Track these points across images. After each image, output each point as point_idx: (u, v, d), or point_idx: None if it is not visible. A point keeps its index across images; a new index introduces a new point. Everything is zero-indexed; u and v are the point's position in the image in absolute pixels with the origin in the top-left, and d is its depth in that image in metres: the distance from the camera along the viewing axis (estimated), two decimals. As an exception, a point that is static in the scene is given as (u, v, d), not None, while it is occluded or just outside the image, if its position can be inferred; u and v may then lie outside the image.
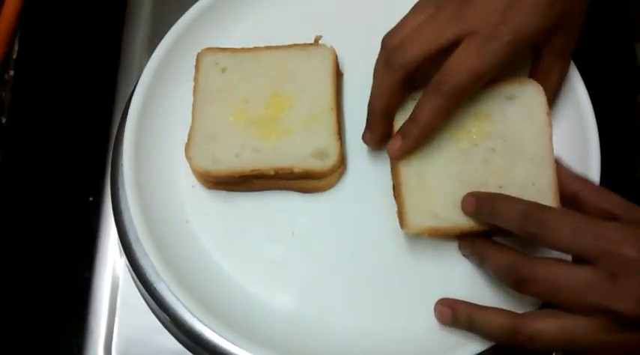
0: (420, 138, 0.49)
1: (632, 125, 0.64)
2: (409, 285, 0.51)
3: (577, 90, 0.53)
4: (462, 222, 0.48)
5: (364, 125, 0.54)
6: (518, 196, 0.47)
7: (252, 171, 0.51)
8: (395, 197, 0.51)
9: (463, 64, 0.46)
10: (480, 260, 0.49)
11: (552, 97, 0.53)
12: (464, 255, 0.51)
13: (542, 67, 0.52)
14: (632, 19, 0.68)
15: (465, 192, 0.49)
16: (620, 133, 0.58)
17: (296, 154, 0.51)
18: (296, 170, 0.51)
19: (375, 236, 0.52)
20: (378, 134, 0.51)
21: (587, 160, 0.51)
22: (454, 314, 0.48)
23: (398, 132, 0.49)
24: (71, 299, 0.59)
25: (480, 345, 0.48)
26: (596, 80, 0.54)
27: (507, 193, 0.48)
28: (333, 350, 0.49)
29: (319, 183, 0.53)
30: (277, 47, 0.55)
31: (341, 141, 0.52)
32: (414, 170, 0.50)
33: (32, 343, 0.59)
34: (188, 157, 0.51)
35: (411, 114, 0.48)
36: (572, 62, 0.54)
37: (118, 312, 0.57)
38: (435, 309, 0.49)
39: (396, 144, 0.49)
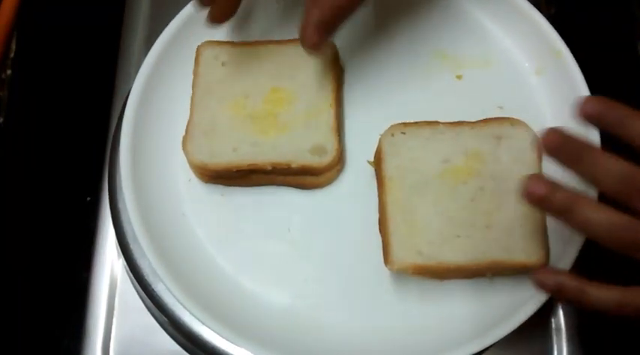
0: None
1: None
2: (406, 283, 0.51)
3: (578, 89, 0.53)
4: (447, 260, 0.48)
5: (364, 122, 0.54)
6: (506, 237, 0.48)
7: (249, 165, 0.51)
8: (380, 231, 0.51)
9: None
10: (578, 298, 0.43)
11: (332, 5, 0.49)
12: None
13: None
14: (635, 19, 0.68)
15: (451, 230, 0.48)
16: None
17: (294, 150, 0.51)
18: (294, 166, 0.50)
19: (371, 233, 0.51)
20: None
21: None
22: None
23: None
24: (69, 299, 0.59)
25: (477, 345, 0.47)
26: (599, 80, 0.54)
27: (495, 233, 0.48)
28: (329, 347, 0.49)
29: (317, 179, 0.52)
30: (278, 42, 0.55)
31: (340, 137, 0.52)
32: (401, 206, 0.49)
33: (30, 343, 0.59)
34: (185, 150, 0.51)
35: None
36: (573, 60, 0.54)
37: (115, 313, 0.57)
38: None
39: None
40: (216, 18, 0.52)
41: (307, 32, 0.48)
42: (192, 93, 0.53)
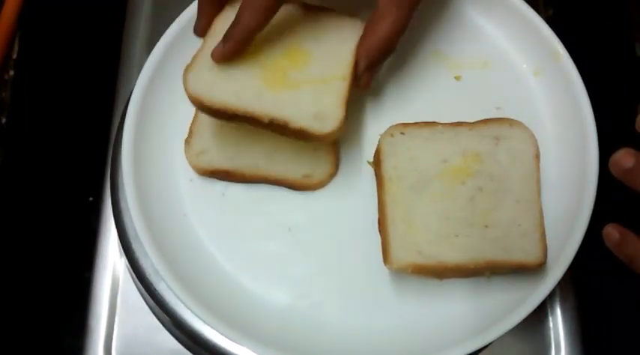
0: (242, 40, 0.48)
1: (632, 126, 0.64)
2: (405, 282, 0.51)
3: (576, 90, 0.53)
4: (446, 259, 0.48)
5: (364, 122, 0.54)
6: (504, 236, 0.48)
7: (246, 113, 0.48)
8: (379, 231, 0.51)
9: None
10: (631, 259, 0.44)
11: (380, 49, 0.50)
12: (609, 246, 0.44)
13: (376, 11, 0.50)
14: (632, 21, 0.68)
15: (450, 230, 0.49)
16: (620, 134, 0.58)
17: (297, 109, 0.48)
18: (291, 126, 0.48)
19: (371, 233, 0.51)
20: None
21: (585, 161, 0.51)
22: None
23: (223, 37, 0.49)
24: (71, 299, 0.59)
25: (476, 343, 0.47)
26: (596, 81, 0.54)
27: (493, 233, 0.48)
28: (328, 346, 0.49)
29: (310, 180, 0.52)
30: (312, 7, 0.52)
31: (346, 114, 0.49)
32: (400, 205, 0.50)
33: (33, 343, 0.59)
34: (185, 79, 0.49)
35: (235, 18, 0.48)
36: (571, 61, 0.54)
37: (117, 312, 0.58)
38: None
39: (218, 48, 0.49)
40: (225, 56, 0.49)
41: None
42: (213, 24, 0.51)
